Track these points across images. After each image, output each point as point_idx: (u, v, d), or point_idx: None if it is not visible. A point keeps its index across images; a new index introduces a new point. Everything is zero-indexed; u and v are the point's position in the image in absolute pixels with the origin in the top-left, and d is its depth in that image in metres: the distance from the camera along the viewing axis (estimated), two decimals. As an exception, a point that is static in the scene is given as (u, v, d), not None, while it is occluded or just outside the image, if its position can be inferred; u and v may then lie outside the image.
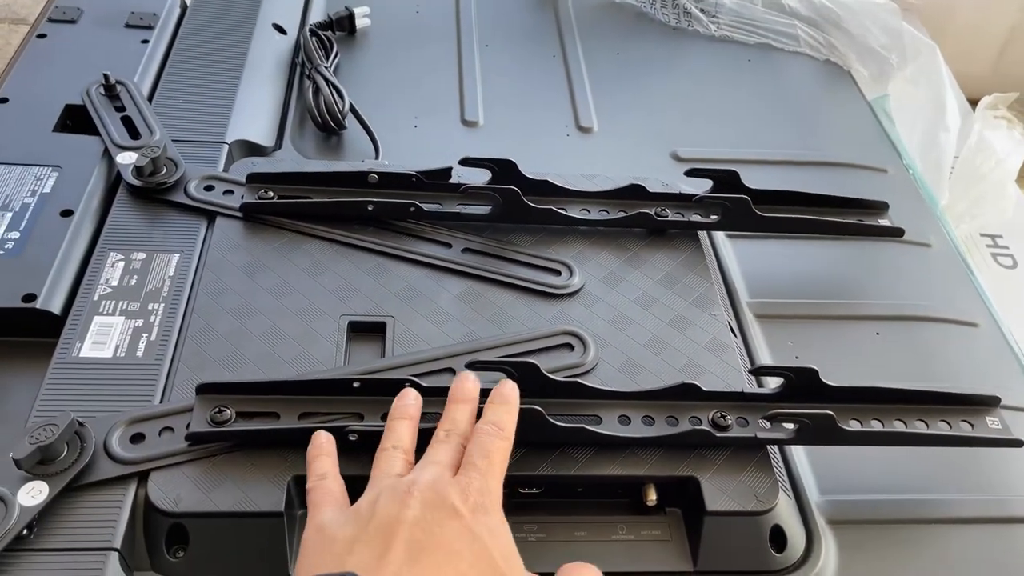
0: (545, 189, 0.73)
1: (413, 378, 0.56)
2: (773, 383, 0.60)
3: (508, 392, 0.53)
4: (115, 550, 0.49)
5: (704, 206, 0.74)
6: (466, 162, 0.71)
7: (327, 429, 0.54)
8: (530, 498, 0.57)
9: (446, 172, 0.72)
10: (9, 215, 0.67)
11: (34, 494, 0.50)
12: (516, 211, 0.71)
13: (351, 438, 0.53)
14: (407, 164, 0.73)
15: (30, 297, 0.61)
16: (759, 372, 0.61)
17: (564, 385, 0.57)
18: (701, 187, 0.74)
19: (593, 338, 0.64)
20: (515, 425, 0.52)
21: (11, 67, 0.82)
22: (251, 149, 0.80)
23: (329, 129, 0.86)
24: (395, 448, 0.50)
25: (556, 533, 0.56)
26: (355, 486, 0.50)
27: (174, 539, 0.51)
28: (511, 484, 0.56)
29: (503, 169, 0.72)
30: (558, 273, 0.69)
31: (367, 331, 0.63)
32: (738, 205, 0.72)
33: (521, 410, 0.53)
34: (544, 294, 0.67)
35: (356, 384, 0.56)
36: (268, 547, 0.52)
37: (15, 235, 0.65)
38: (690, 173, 0.74)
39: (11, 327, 0.61)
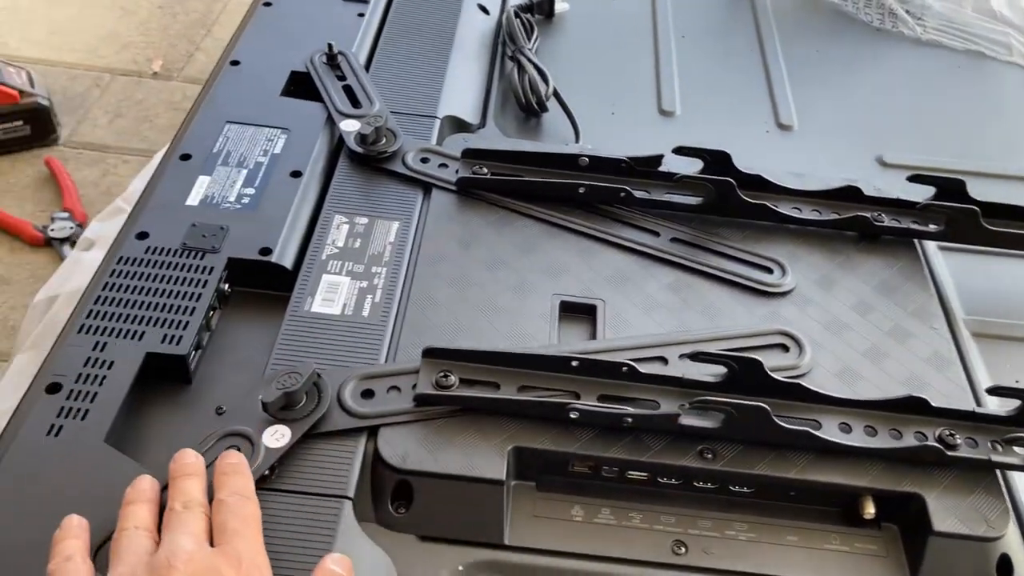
0: (757, 184, 0.71)
1: (631, 362, 0.56)
2: (994, 403, 0.57)
3: (237, 461, 0.49)
4: (349, 498, 0.51)
5: (926, 214, 0.70)
6: (680, 151, 0.70)
7: (546, 404, 0.54)
8: (742, 497, 0.56)
9: (657, 160, 0.72)
10: (244, 172, 0.71)
11: (277, 437, 0.52)
12: (728, 204, 0.70)
13: (572, 416, 0.54)
14: (605, 150, 0.73)
15: (266, 251, 0.64)
16: (997, 392, 0.58)
17: (787, 386, 0.55)
18: (915, 195, 0.71)
19: (808, 341, 0.62)
20: (254, 489, 0.48)
21: (241, 32, 0.87)
22: (459, 125, 0.82)
23: (531, 111, 0.87)
24: (136, 528, 0.45)
25: (766, 535, 0.55)
26: (562, 466, 0.50)
27: (398, 495, 0.53)
28: (724, 480, 0.55)
29: (716, 160, 0.71)
30: (769, 271, 0.68)
31: (578, 312, 0.64)
32: (965, 216, 0.69)
33: (745, 406, 0.53)
34: (755, 291, 0.66)
35: (575, 363, 0.56)
36: (486, 513, 0.53)
37: (251, 191, 0.69)
38: (913, 179, 0.71)
39: (246, 277, 0.64)
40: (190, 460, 0.49)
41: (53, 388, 0.54)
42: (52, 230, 1.44)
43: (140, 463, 0.51)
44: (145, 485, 0.48)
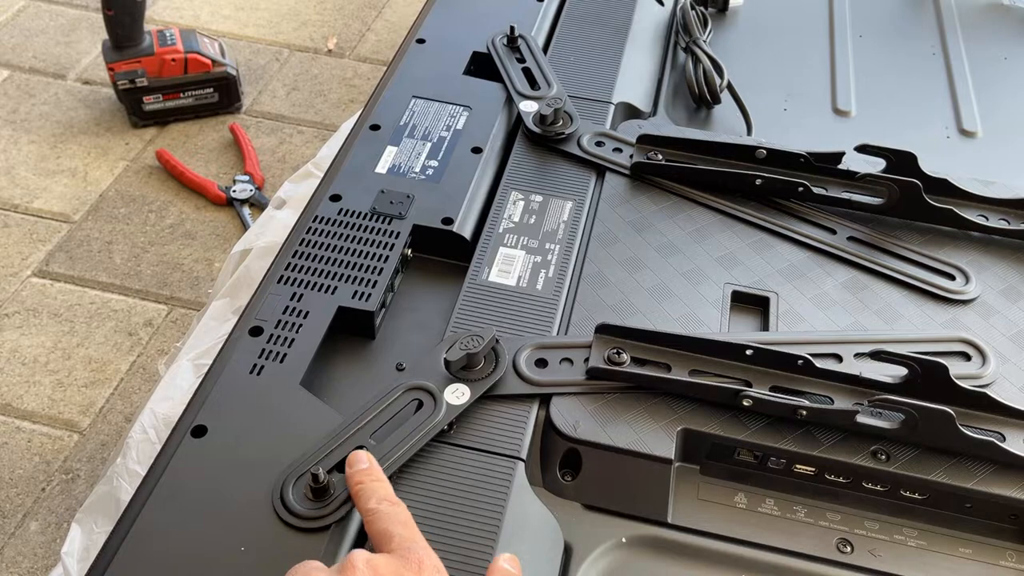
0: (943, 188, 0.69)
1: (808, 356, 0.56)
2: None
3: (370, 467, 0.49)
4: (522, 460, 0.53)
5: None
6: (864, 149, 0.69)
7: (720, 388, 0.55)
8: (912, 503, 0.55)
9: (837, 156, 0.71)
10: (429, 145, 0.74)
11: (458, 395, 0.55)
12: (911, 206, 0.68)
13: (744, 403, 0.54)
14: (784, 145, 0.72)
15: (448, 220, 0.67)
16: None
17: (972, 394, 0.54)
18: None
19: (992, 351, 0.60)
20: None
21: (426, 12, 0.90)
22: (631, 112, 0.83)
23: (704, 102, 0.86)
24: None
25: (937, 544, 0.54)
26: (728, 452, 0.50)
27: (567, 463, 0.55)
28: (896, 483, 0.54)
29: (900, 161, 0.69)
30: (951, 277, 0.65)
31: (749, 303, 0.64)
32: None
33: (931, 410, 0.51)
34: (936, 296, 0.64)
35: (749, 352, 0.56)
36: (652, 490, 0.54)
37: (434, 163, 0.72)
38: (1118, 193, 0.67)
39: (427, 244, 0.67)
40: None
41: (256, 331, 0.58)
42: (234, 191, 1.54)
43: (329, 406, 0.55)
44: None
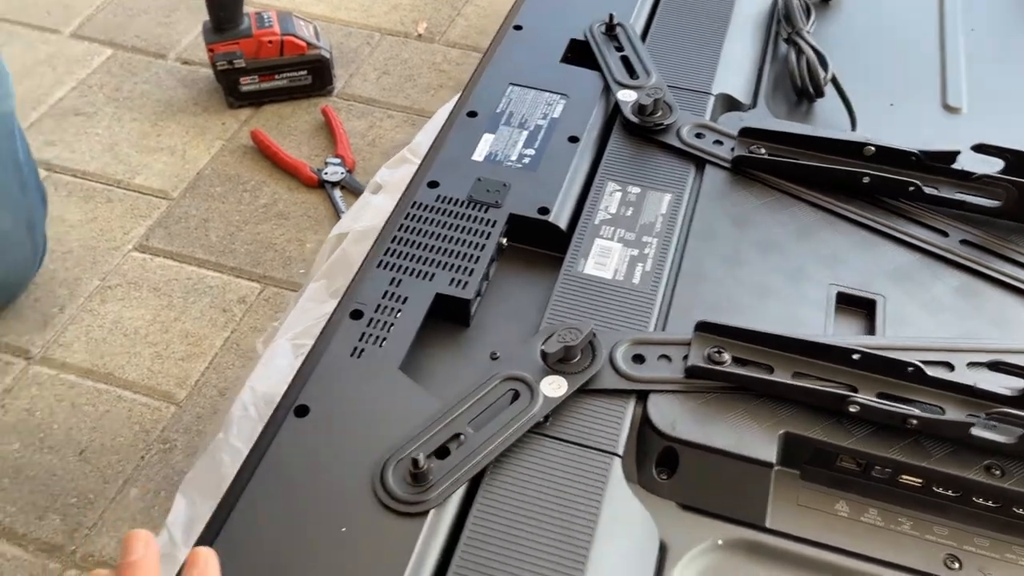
0: (1066, 192, 0.66)
1: (919, 363, 0.54)
2: None
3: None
4: (619, 455, 0.53)
5: None
6: (981, 148, 0.66)
7: (825, 393, 0.53)
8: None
9: (951, 156, 0.68)
10: (525, 133, 0.73)
11: (555, 387, 0.55)
12: (1031, 211, 0.65)
13: (851, 409, 0.53)
14: (892, 142, 0.70)
15: (544, 210, 0.67)
16: None
17: (1096, 411, 0.51)
18: None
19: (1118, 367, 0.57)
20: None
21: (524, -1, 0.90)
22: (731, 104, 0.81)
23: (806, 95, 0.84)
24: None
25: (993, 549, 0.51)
26: (831, 459, 0.49)
27: (663, 461, 0.54)
28: (1010, 500, 0.52)
29: (1020, 162, 0.66)
30: (1073, 287, 0.62)
31: (855, 305, 0.62)
32: None
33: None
34: (1056, 306, 0.61)
35: (856, 356, 0.55)
36: (750, 493, 0.53)
37: (531, 152, 0.72)
38: None
39: (523, 234, 0.67)
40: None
41: (356, 314, 0.59)
42: (325, 173, 1.57)
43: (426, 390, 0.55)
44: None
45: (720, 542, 0.52)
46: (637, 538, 0.51)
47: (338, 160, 1.57)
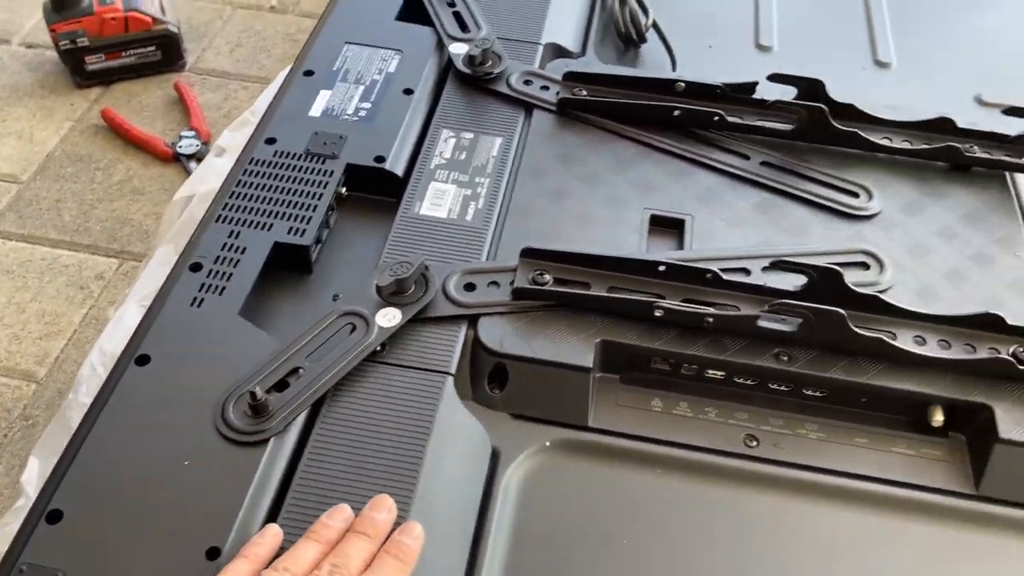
0: (850, 113, 0.73)
1: (716, 270, 0.60)
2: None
3: (412, 544, 0.48)
4: (451, 374, 0.57)
5: (1018, 147, 0.71)
6: (775, 78, 0.73)
7: (633, 301, 0.59)
8: (813, 400, 0.59)
9: (751, 87, 0.74)
10: (361, 88, 0.76)
11: (389, 318, 0.58)
12: (819, 130, 0.72)
13: (656, 314, 0.58)
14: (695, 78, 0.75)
15: (380, 159, 0.70)
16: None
17: (865, 297, 0.58)
18: (1012, 129, 0.72)
19: (889, 260, 0.65)
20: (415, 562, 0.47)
21: (358, -39, 0.92)
22: (560, 52, 0.85)
23: (631, 41, 0.89)
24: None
25: (837, 435, 0.58)
26: (645, 361, 0.54)
27: (494, 377, 0.59)
28: (798, 382, 0.59)
29: (810, 88, 0.73)
30: (856, 195, 0.70)
31: (667, 226, 0.68)
32: (1060, 149, 0.69)
33: (822, 311, 0.56)
34: (841, 213, 0.68)
35: (661, 268, 0.60)
36: (573, 397, 0.58)
37: (367, 105, 0.74)
38: (1008, 112, 0.72)
39: (362, 183, 0.70)
40: (380, 516, 0.49)
41: (195, 267, 0.61)
42: (180, 147, 1.56)
43: (269, 334, 0.58)
44: (336, 523, 0.48)
45: (548, 444, 0.57)
46: (470, 447, 0.55)
47: (192, 133, 1.57)
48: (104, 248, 1.40)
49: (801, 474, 0.57)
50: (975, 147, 0.72)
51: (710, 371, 0.59)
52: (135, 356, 0.56)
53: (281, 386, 0.55)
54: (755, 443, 0.58)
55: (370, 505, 0.49)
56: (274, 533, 0.48)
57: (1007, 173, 0.73)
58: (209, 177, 0.83)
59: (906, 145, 0.73)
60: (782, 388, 0.59)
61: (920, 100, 0.86)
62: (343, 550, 0.47)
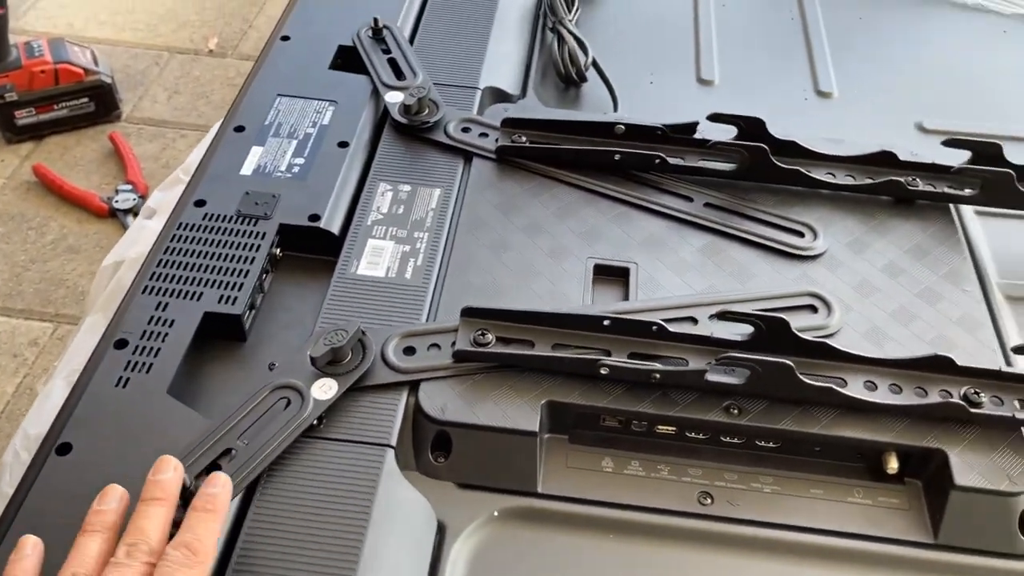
0: (792, 150, 0.73)
1: (661, 322, 0.58)
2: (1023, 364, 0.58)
3: (218, 492, 0.47)
4: (391, 446, 0.55)
5: (960, 178, 0.71)
6: (715, 118, 0.72)
7: (577, 360, 0.57)
8: (767, 451, 0.58)
9: (691, 127, 0.73)
10: (295, 142, 0.74)
11: (325, 390, 0.56)
12: (761, 169, 0.71)
13: (602, 371, 0.57)
14: (644, 119, 0.74)
15: (315, 217, 0.68)
16: (1022, 351, 0.58)
17: (813, 345, 0.57)
18: (952, 160, 0.72)
19: (837, 302, 0.64)
20: (215, 541, 0.45)
21: (291, 8, 0.90)
22: (500, 96, 0.84)
23: (571, 81, 0.88)
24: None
25: (791, 487, 0.57)
26: (594, 420, 0.52)
27: (438, 445, 0.57)
28: (750, 435, 0.57)
29: (750, 127, 0.72)
30: (801, 235, 0.69)
31: (612, 275, 0.66)
32: (1000, 179, 0.69)
33: (770, 363, 0.55)
34: (786, 254, 0.67)
35: (606, 323, 0.59)
36: (520, 463, 0.56)
37: (300, 160, 0.72)
38: (948, 143, 0.71)
39: (296, 242, 0.68)
40: (167, 478, 0.47)
41: (120, 344, 0.58)
42: (116, 201, 1.52)
43: (199, 412, 0.55)
44: (110, 505, 0.46)
45: (496, 513, 0.55)
46: (413, 523, 0.53)
47: (129, 186, 1.53)
48: (38, 312, 1.36)
49: (758, 531, 0.55)
50: (918, 180, 0.71)
51: (661, 427, 0.58)
52: (55, 445, 0.53)
53: (212, 469, 0.52)
54: (709, 500, 0.56)
55: (153, 470, 0.48)
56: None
57: (951, 205, 0.72)
58: (139, 241, 0.81)
59: (849, 180, 0.72)
60: (735, 441, 0.58)
61: (862, 128, 0.86)
62: (135, 524, 0.45)
